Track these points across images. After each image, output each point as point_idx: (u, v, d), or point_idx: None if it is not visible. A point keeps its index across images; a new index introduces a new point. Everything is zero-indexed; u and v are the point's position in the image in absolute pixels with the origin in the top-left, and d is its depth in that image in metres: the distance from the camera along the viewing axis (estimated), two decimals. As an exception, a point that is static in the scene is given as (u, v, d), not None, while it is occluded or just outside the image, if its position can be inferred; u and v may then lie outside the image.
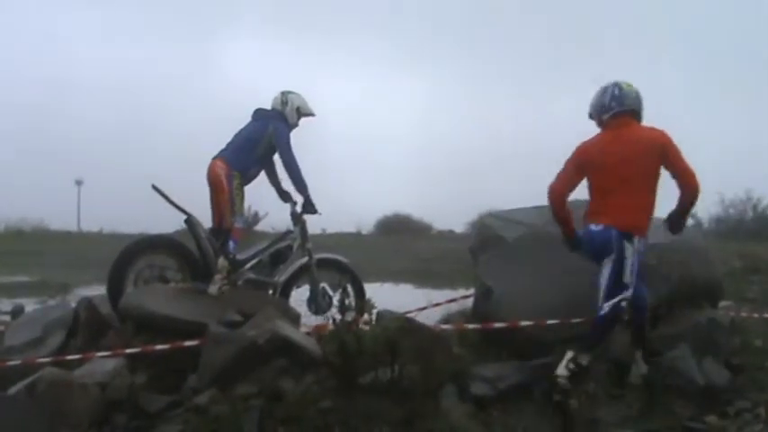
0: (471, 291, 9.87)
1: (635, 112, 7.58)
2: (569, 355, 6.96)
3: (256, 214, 35.48)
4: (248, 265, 9.48)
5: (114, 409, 6.86)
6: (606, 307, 7.12)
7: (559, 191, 7.55)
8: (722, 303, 9.41)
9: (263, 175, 9.94)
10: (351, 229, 37.33)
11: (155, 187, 8.83)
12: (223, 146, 9.63)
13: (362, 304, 7.22)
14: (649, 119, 7.58)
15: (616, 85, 7.62)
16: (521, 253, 9.01)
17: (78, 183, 49.02)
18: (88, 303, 8.90)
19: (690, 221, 10.20)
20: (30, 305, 12.88)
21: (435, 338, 7.20)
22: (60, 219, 40.85)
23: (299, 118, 9.86)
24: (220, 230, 9.42)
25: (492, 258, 9.32)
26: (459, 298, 10.70)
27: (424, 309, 10.01)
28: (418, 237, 34.86)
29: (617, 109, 7.51)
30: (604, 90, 7.68)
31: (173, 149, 60.22)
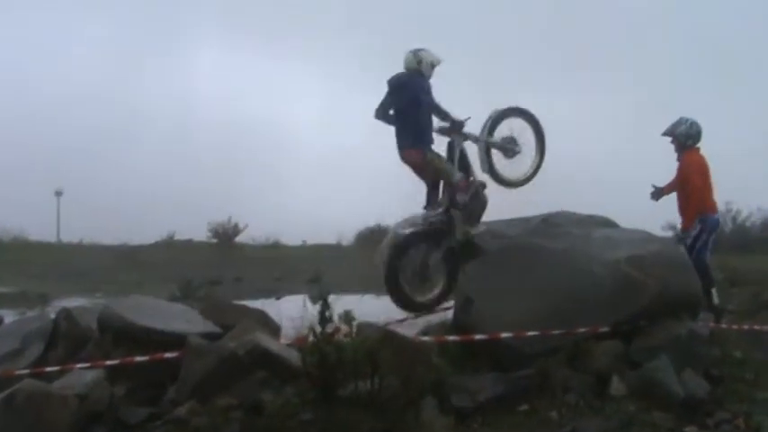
0: (451, 302, 9.86)
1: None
2: None
3: (236, 226, 35.52)
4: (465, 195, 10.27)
5: (94, 421, 6.84)
6: None
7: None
8: (702, 315, 9.44)
9: None
10: (331, 240, 37.35)
11: None
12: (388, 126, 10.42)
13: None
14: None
15: (697, 123, 10.88)
16: (502, 264, 9.03)
17: (58, 193, 48.68)
18: (67, 314, 8.88)
19: (670, 234, 10.35)
20: (9, 316, 12.79)
21: (415, 350, 7.18)
22: (40, 229, 40.65)
23: (432, 70, 10.39)
24: (436, 188, 10.43)
25: (473, 270, 9.33)
26: (440, 309, 10.69)
27: (404, 320, 9.99)
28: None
29: (696, 141, 10.82)
30: (692, 125, 10.85)
31: (152, 159, 60.05)
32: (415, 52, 10.25)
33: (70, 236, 40.76)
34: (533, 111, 10.91)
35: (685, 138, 10.78)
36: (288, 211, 45.99)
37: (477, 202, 10.18)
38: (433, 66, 10.30)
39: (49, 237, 41.80)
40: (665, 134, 10.93)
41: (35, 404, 6.55)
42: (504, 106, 10.73)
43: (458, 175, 10.08)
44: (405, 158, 10.13)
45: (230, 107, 75.71)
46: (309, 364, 6.70)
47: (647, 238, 9.46)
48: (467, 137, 10.36)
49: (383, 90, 10.19)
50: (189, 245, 35.33)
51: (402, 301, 9.92)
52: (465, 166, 10.38)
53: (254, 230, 36.88)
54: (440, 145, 10.36)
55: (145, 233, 36.06)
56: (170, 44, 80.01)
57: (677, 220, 11.57)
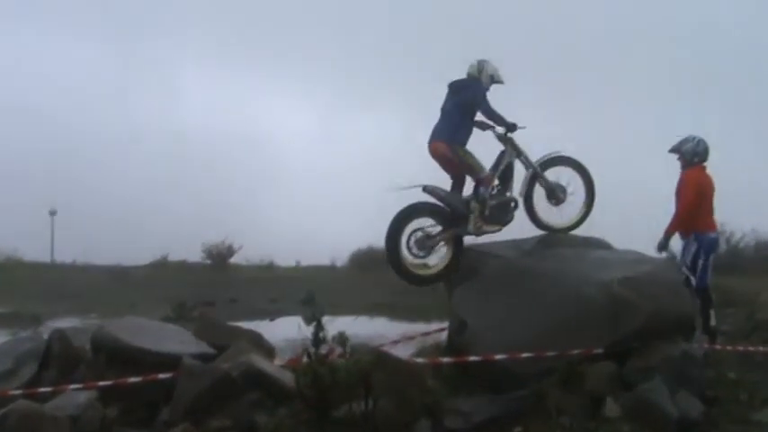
0: (446, 324, 9.87)
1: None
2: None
3: (230, 246, 35.52)
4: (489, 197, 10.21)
5: (86, 443, 6.82)
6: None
7: None
8: (696, 336, 9.45)
9: None
10: (325, 261, 37.39)
11: (393, 188, 9.93)
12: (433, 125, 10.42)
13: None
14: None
15: (704, 141, 10.88)
16: (495, 286, 9.04)
17: (52, 213, 48.62)
18: (61, 335, 8.87)
19: (664, 255, 10.36)
20: (2, 337, 12.75)
21: (409, 372, 7.19)
22: (34, 249, 40.59)
23: (491, 83, 10.48)
24: (461, 183, 10.36)
25: (467, 291, 9.33)
26: (434, 331, 10.70)
27: (398, 342, 9.99)
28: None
29: (703, 158, 10.81)
30: (699, 142, 10.82)
31: (146, 179, 59.99)
32: (480, 62, 10.49)
33: (64, 256, 40.69)
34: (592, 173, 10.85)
35: (692, 155, 10.76)
36: (282, 231, 45.98)
37: (502, 212, 10.14)
38: (492, 79, 10.48)
39: (43, 257, 41.72)
40: (671, 151, 10.94)
41: (28, 425, 6.54)
42: (566, 153, 10.68)
43: (485, 171, 10.10)
44: (433, 151, 10.17)
45: (225, 127, 75.66)
46: (303, 385, 6.71)
47: (640, 259, 9.47)
48: (520, 153, 10.38)
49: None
50: (183, 265, 35.31)
51: (395, 263, 9.72)
52: (506, 178, 10.40)
53: (249, 251, 36.89)
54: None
55: (139, 254, 36.05)
56: (163, 64, 79.91)
57: (673, 242, 11.55)
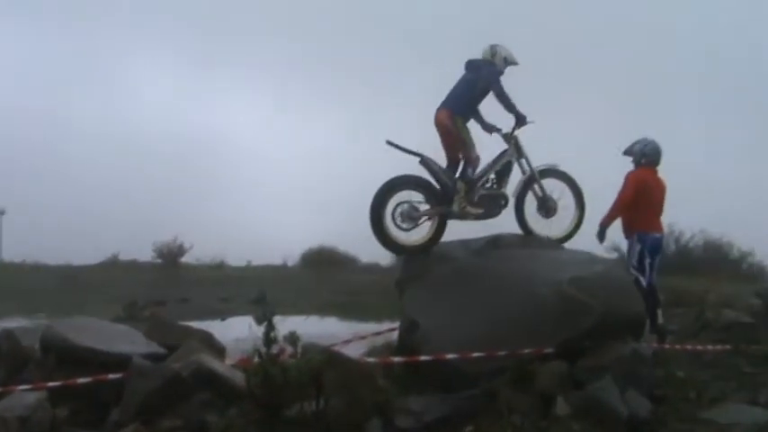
0: (397, 323, 9.88)
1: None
2: None
3: (181, 246, 35.33)
4: (479, 183, 10.42)
5: (35, 444, 6.76)
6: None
7: None
8: (646, 336, 9.53)
9: None
10: (277, 261, 37.27)
11: (389, 142, 10.00)
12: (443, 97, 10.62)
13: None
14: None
15: (654, 143, 11.23)
16: (446, 286, 9.06)
17: (1, 213, 48.08)
18: (9, 335, 8.79)
19: (615, 255, 10.49)
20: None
21: (360, 371, 7.18)
22: (-19, 249, 40.17)
23: (506, 66, 10.77)
24: (455, 165, 10.47)
25: (417, 291, 9.35)
26: (385, 331, 10.72)
27: (349, 341, 10.00)
28: (344, 269, 34.82)
29: (651, 160, 11.19)
30: (647, 144, 11.20)
31: (95, 179, 59.43)
32: (492, 46, 10.73)
33: (12, 255, 40.27)
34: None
35: (639, 156, 11.08)
36: (234, 231, 45.77)
37: (491, 204, 10.36)
38: (506, 61, 10.70)
39: (-8, 256, 41.31)
40: (625, 153, 11.30)
41: (-25, 426, 6.47)
42: (561, 168, 10.92)
43: (475, 152, 10.26)
44: (436, 118, 10.32)
45: (177, 126, 75.15)
46: (254, 384, 6.68)
47: (592, 259, 9.54)
48: (521, 155, 10.59)
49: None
50: (133, 265, 34.99)
51: (379, 232, 9.80)
52: (503, 174, 10.57)
53: (200, 251, 36.66)
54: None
55: (88, 253, 35.72)
56: (113, 64, 79.20)
57: (623, 242, 11.76)
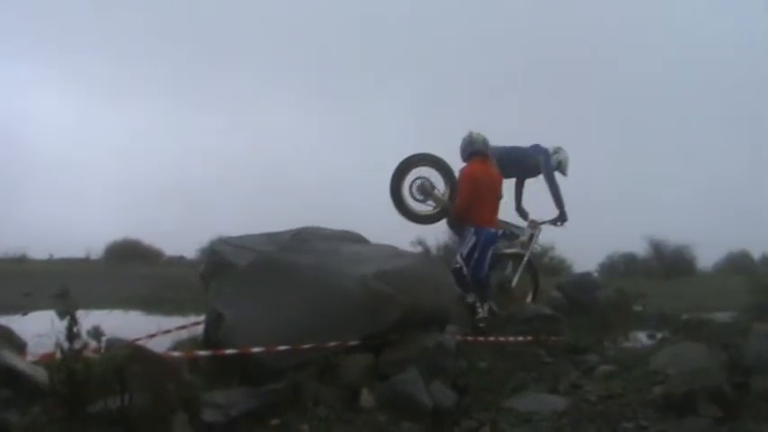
0: (202, 317, 9.82)
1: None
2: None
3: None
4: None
5: None
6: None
7: None
8: (450, 328, 9.74)
9: None
10: (80, 254, 36.48)
11: None
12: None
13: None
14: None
15: (474, 134, 11.63)
16: (252, 279, 9.05)
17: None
18: None
19: (419, 249, 10.81)
20: None
21: (165, 366, 7.11)
22: None
23: (556, 168, 12.97)
24: None
25: (223, 284, 9.32)
26: (190, 325, 10.62)
27: (154, 336, 9.87)
28: (149, 262, 34.36)
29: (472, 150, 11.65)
30: (464, 140, 11.65)
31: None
32: (557, 149, 13.10)
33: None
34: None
35: (461, 151, 11.82)
36: (35, 223, 44.58)
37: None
38: (560, 166, 13.08)
39: None
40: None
41: None
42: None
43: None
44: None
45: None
46: (57, 381, 6.55)
47: (398, 253, 9.71)
48: (530, 246, 13.02)
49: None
50: (-74, 259, 33.68)
51: (397, 203, 11.36)
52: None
53: (-1, 244, 35.56)
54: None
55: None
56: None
57: (428, 237, 12.31)
